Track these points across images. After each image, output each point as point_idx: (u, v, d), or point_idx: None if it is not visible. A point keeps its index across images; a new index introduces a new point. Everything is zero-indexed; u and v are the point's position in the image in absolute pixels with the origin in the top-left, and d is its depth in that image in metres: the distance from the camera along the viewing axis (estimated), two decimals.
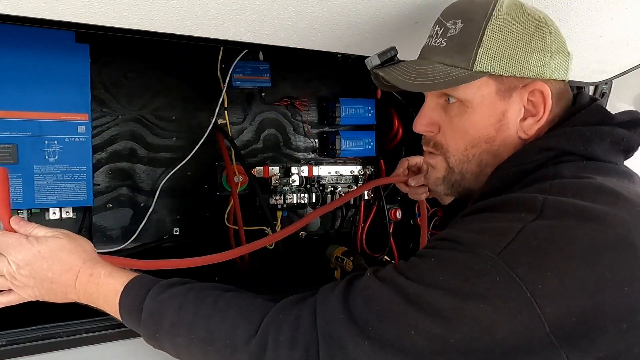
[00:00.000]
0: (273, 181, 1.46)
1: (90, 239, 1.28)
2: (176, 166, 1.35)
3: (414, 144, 1.69)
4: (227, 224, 1.40)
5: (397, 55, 0.84)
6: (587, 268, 0.58)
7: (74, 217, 1.24)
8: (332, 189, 1.55)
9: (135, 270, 0.85)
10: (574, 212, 0.62)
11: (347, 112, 1.52)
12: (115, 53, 1.28)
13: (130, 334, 1.10)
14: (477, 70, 0.73)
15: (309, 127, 1.54)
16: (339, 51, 1.05)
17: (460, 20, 0.76)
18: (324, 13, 0.87)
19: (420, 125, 0.82)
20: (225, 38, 0.90)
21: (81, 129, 1.16)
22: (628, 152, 0.77)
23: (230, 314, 0.74)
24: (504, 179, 0.74)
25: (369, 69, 0.85)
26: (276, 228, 1.45)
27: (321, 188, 1.54)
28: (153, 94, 1.34)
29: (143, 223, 1.32)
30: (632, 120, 0.77)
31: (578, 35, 1.08)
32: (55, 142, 1.14)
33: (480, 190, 0.78)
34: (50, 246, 0.83)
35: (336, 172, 1.57)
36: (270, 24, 0.88)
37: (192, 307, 0.76)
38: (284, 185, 1.48)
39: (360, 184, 1.60)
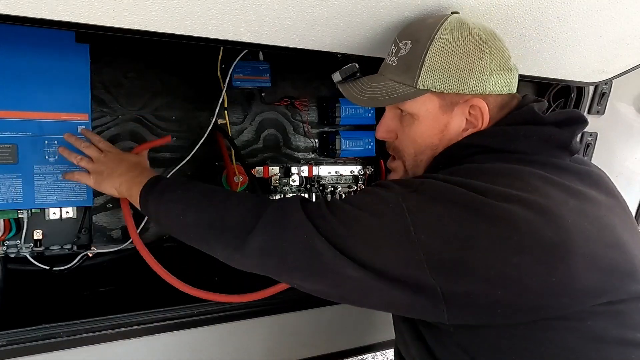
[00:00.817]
0: (273, 181, 1.46)
1: (90, 239, 1.28)
2: (176, 166, 1.35)
3: None
4: None
5: (358, 71, 0.94)
6: (462, 213, 0.70)
7: (74, 217, 1.24)
8: (332, 189, 1.55)
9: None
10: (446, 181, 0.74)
11: (347, 112, 1.52)
12: (115, 53, 1.28)
13: (130, 334, 1.10)
14: (420, 87, 0.83)
15: (309, 127, 1.54)
16: (339, 51, 1.05)
17: (410, 41, 0.85)
18: (324, 13, 0.87)
19: (380, 132, 0.94)
20: (225, 38, 0.90)
21: (81, 129, 1.16)
22: (566, 148, 0.84)
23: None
24: (435, 170, 0.86)
25: (334, 82, 0.96)
26: None
27: (321, 188, 1.54)
28: (153, 94, 1.34)
29: (143, 223, 1.32)
30: (566, 119, 0.84)
31: (578, 35, 1.08)
32: (55, 142, 1.14)
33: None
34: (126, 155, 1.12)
35: (336, 172, 1.57)
36: (270, 24, 0.88)
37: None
38: (284, 185, 1.48)
39: (360, 184, 1.60)
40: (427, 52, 0.82)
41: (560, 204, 0.71)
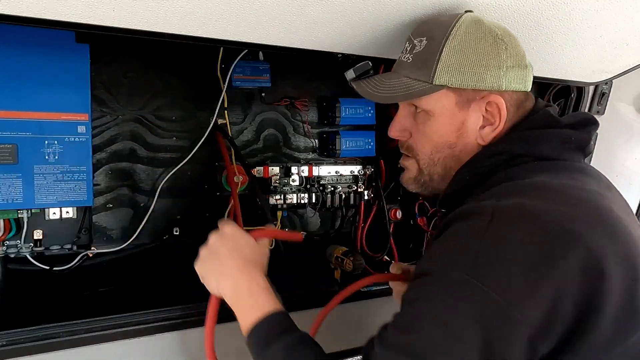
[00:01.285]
0: (273, 181, 1.46)
1: (90, 239, 1.28)
2: (176, 166, 1.35)
3: None
4: None
5: (372, 69, 0.94)
6: (543, 267, 0.64)
7: (74, 217, 1.24)
8: (332, 189, 1.55)
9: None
10: (518, 214, 0.69)
11: (347, 112, 1.52)
12: (115, 53, 1.28)
13: (130, 334, 1.10)
14: (436, 83, 0.82)
15: (309, 127, 1.54)
16: (339, 51, 1.05)
17: (425, 38, 0.85)
18: (324, 13, 0.87)
19: (394, 130, 0.92)
20: (225, 38, 0.90)
21: (81, 129, 1.16)
22: (583, 149, 0.85)
23: None
24: (462, 181, 0.84)
25: (348, 80, 0.94)
26: (276, 228, 1.45)
27: (321, 188, 1.54)
28: (153, 94, 1.34)
29: (143, 223, 1.32)
30: (580, 121, 0.85)
31: (578, 35, 1.08)
32: (55, 142, 1.14)
33: (444, 190, 0.88)
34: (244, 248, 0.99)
35: (336, 172, 1.57)
36: (270, 24, 0.88)
37: None
38: (284, 185, 1.48)
39: (360, 184, 1.59)
40: (443, 48, 0.82)
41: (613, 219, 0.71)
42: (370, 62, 0.94)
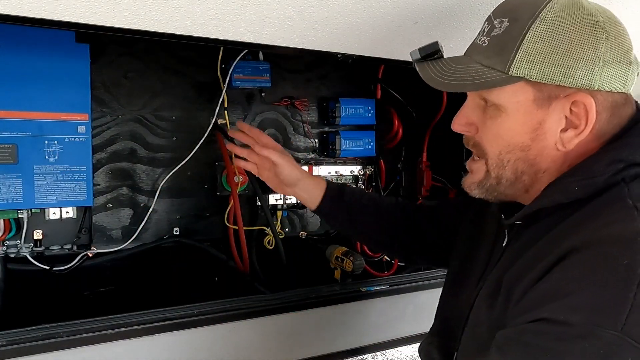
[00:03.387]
0: None
1: (90, 239, 1.28)
2: (176, 166, 1.35)
3: (414, 144, 1.69)
4: (227, 224, 1.40)
5: (441, 51, 0.80)
6: None
7: (74, 217, 1.24)
8: None
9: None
10: None
11: (347, 112, 1.52)
12: (115, 53, 1.28)
13: (130, 334, 1.10)
14: (512, 74, 0.69)
15: (309, 127, 1.54)
16: (339, 51, 1.05)
17: (507, 19, 0.71)
18: (324, 13, 0.87)
19: (458, 124, 0.79)
20: (225, 38, 0.90)
21: (81, 129, 1.16)
22: None
23: None
24: (568, 193, 0.70)
25: (412, 60, 0.82)
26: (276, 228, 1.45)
27: None
28: (153, 94, 1.34)
29: (143, 223, 1.32)
30: None
31: None
32: (55, 142, 1.14)
33: (537, 202, 0.73)
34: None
35: (336, 172, 1.56)
36: (271, 24, 0.88)
37: None
38: None
39: (360, 184, 1.59)
40: (526, 32, 0.68)
41: None
42: (439, 42, 0.80)
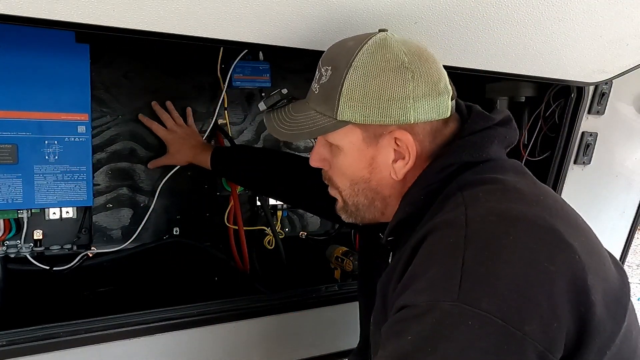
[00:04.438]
0: None
1: (90, 239, 1.28)
2: (176, 166, 1.35)
3: None
4: (227, 224, 1.40)
5: (285, 97, 0.87)
6: (534, 272, 0.61)
7: (74, 217, 1.24)
8: None
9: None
10: (497, 219, 0.66)
11: None
12: (115, 53, 1.28)
13: (130, 334, 1.10)
14: (340, 119, 0.76)
15: None
16: None
17: (330, 67, 0.78)
18: (324, 13, 0.87)
19: (313, 161, 0.88)
20: (225, 38, 0.90)
21: (81, 129, 1.16)
22: (509, 147, 0.83)
23: None
24: (416, 203, 0.78)
25: (260, 111, 0.91)
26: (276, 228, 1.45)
27: None
28: (153, 94, 1.34)
29: (143, 223, 1.32)
30: (505, 117, 0.82)
31: (578, 35, 1.08)
32: (55, 142, 1.14)
33: (395, 217, 0.80)
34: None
35: None
36: (271, 24, 0.88)
37: None
38: None
39: None
40: (344, 80, 0.75)
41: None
42: (285, 90, 0.88)
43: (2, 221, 1.15)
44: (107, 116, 1.29)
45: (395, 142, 0.78)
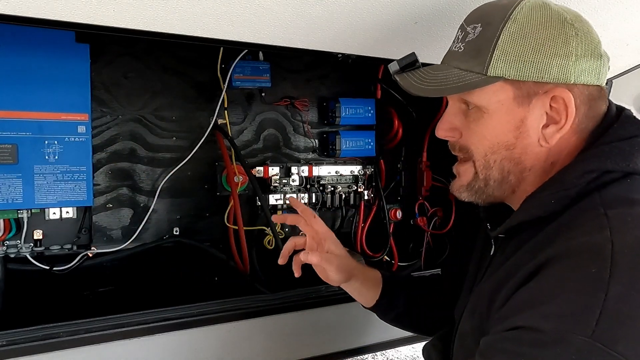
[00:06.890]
0: (273, 181, 1.46)
1: (90, 239, 1.28)
2: (176, 166, 1.35)
3: (414, 144, 1.69)
4: (227, 224, 1.40)
5: (418, 61, 0.82)
6: None
7: (74, 217, 1.24)
8: (332, 189, 1.55)
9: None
10: None
11: (347, 112, 1.52)
12: (115, 53, 1.28)
13: (130, 334, 1.10)
14: (491, 74, 0.71)
15: (309, 127, 1.54)
16: (339, 51, 1.05)
17: (479, 25, 0.74)
18: (324, 13, 0.87)
19: (441, 130, 0.81)
20: (225, 38, 0.90)
21: (81, 129, 1.16)
22: None
23: None
24: (544, 206, 0.71)
25: (391, 73, 0.84)
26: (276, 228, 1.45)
27: (321, 188, 1.54)
28: (153, 94, 1.34)
29: (143, 223, 1.32)
30: None
31: None
32: (55, 142, 1.14)
33: (516, 217, 0.75)
34: None
35: (336, 172, 1.56)
36: (271, 24, 0.88)
37: None
38: (284, 186, 1.48)
39: (360, 184, 1.59)
40: (500, 34, 0.71)
41: None
42: (415, 53, 0.82)
43: (2, 221, 1.15)
44: (107, 116, 1.29)
45: (550, 103, 0.72)
